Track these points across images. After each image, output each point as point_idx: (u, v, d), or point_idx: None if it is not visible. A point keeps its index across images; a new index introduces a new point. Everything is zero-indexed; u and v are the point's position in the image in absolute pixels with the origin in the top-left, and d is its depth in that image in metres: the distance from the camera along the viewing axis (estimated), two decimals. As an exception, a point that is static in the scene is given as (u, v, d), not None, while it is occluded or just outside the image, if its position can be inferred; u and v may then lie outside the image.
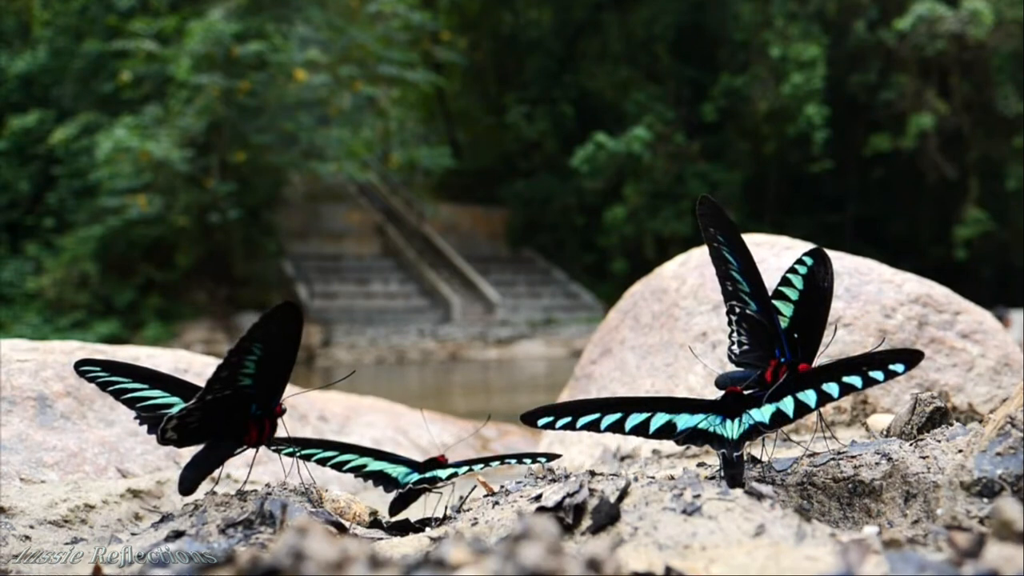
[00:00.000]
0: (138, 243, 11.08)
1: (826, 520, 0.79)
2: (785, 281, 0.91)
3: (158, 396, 0.89)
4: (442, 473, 0.89)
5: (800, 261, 0.91)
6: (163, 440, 0.84)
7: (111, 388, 0.90)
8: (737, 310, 0.89)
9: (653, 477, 0.83)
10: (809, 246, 1.50)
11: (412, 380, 7.90)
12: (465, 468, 0.90)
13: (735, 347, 0.90)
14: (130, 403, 0.90)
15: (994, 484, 0.67)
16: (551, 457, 0.89)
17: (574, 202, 14.63)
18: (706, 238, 0.90)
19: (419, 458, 0.97)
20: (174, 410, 0.86)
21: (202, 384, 0.85)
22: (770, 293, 0.91)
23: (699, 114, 14.36)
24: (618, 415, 0.81)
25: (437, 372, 8.99)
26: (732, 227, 0.88)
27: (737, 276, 0.89)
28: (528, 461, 0.89)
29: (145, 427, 0.89)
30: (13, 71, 12.35)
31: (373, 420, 1.86)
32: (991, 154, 13.80)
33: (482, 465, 0.89)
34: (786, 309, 0.90)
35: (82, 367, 0.90)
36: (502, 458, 0.89)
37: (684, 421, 0.81)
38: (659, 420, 0.81)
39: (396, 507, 0.92)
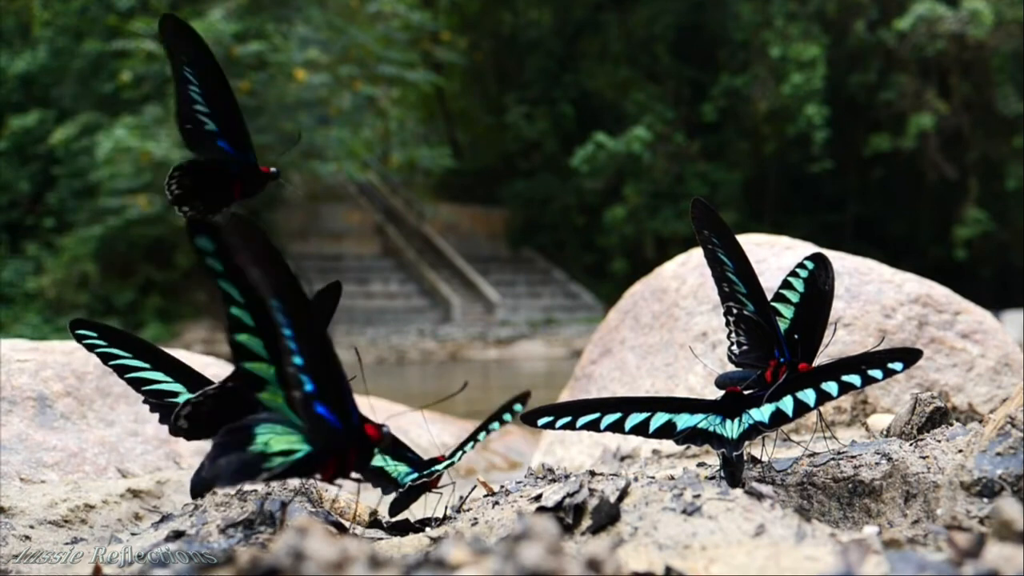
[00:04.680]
0: (138, 243, 11.07)
1: (826, 520, 0.79)
2: (786, 284, 0.92)
3: (162, 380, 0.88)
4: (439, 465, 0.88)
5: (801, 265, 0.92)
6: (175, 430, 0.83)
7: (113, 363, 0.88)
8: (734, 311, 0.89)
9: (653, 477, 0.83)
10: (809, 246, 1.51)
11: (412, 380, 7.89)
12: (459, 453, 0.89)
13: (734, 347, 0.91)
14: (135, 384, 0.88)
15: (994, 484, 0.67)
16: (523, 399, 0.85)
17: (574, 202, 14.63)
18: (700, 240, 0.90)
19: None
20: (181, 399, 0.86)
21: (205, 374, 0.84)
22: (771, 295, 0.91)
23: (699, 114, 14.36)
24: (618, 415, 0.81)
25: (437, 372, 8.99)
26: (726, 229, 0.89)
27: (733, 277, 0.89)
28: (507, 416, 0.86)
29: (145, 427, 0.88)
30: (13, 71, 12.34)
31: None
32: (991, 154, 13.80)
33: (472, 443, 0.87)
34: (786, 311, 0.91)
35: (78, 329, 0.88)
36: (486, 427, 0.87)
37: (684, 421, 0.81)
38: (659, 420, 0.81)
39: (396, 507, 0.92)
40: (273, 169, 0.86)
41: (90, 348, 0.89)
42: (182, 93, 0.80)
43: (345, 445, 0.69)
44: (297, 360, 0.65)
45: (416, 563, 0.46)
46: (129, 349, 0.89)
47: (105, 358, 0.89)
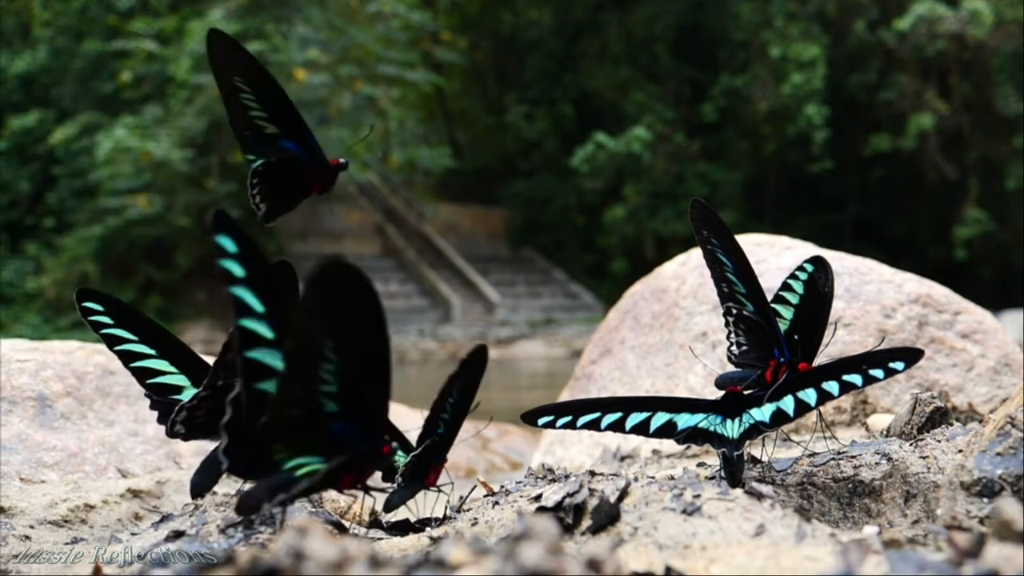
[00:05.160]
0: (138, 243, 11.08)
1: (826, 520, 0.79)
2: (786, 286, 0.93)
3: (167, 371, 0.87)
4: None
5: (801, 268, 0.92)
6: (171, 434, 0.83)
7: (118, 348, 0.87)
8: (734, 311, 0.89)
9: (653, 477, 0.83)
10: (810, 246, 1.51)
11: (412, 380, 7.89)
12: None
13: (734, 348, 0.91)
14: (138, 374, 0.87)
15: (994, 484, 0.67)
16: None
17: (574, 202, 14.63)
18: (699, 241, 0.91)
19: None
20: (184, 395, 0.86)
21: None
22: (771, 296, 0.91)
23: (699, 114, 14.36)
24: (618, 414, 0.81)
25: (437, 372, 8.99)
26: (725, 229, 0.89)
27: (732, 278, 0.89)
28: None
29: (145, 427, 0.88)
30: (13, 71, 12.34)
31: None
32: (991, 154, 13.80)
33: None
34: (786, 312, 0.91)
35: (85, 301, 0.87)
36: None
37: (684, 420, 0.81)
38: (659, 419, 0.81)
39: (390, 503, 0.90)
40: (342, 160, 0.89)
41: (95, 327, 0.87)
42: (234, 102, 0.83)
43: (368, 462, 0.69)
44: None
45: (416, 563, 0.46)
46: (136, 331, 0.87)
47: (110, 341, 0.87)
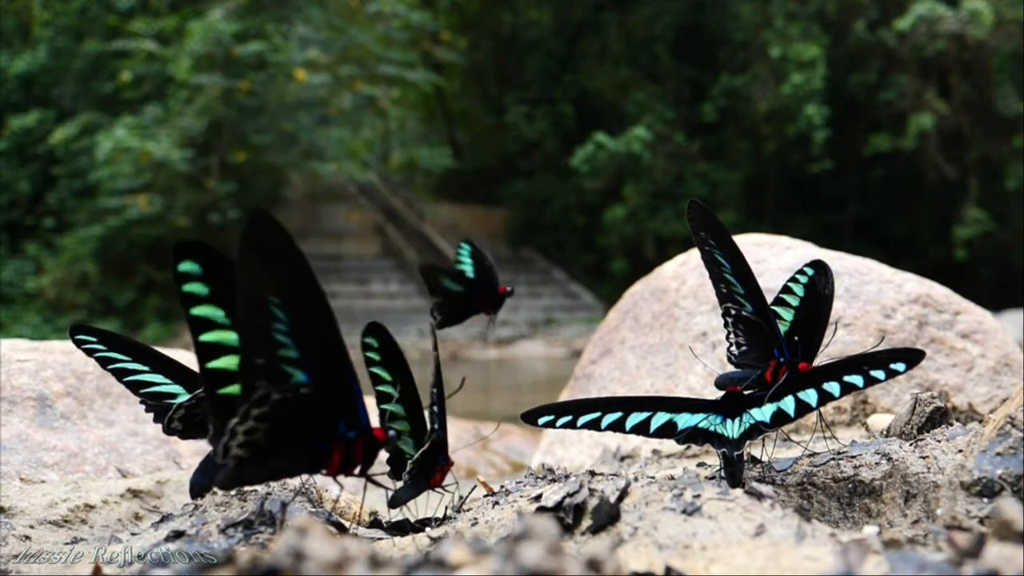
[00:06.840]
0: (138, 243, 11.07)
1: (826, 520, 0.79)
2: (786, 289, 0.93)
3: (160, 382, 0.89)
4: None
5: (801, 271, 0.93)
6: (169, 431, 0.84)
7: (111, 367, 0.89)
8: (733, 312, 0.89)
9: (653, 477, 0.83)
10: (810, 246, 1.51)
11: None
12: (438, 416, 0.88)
13: (733, 348, 0.91)
14: (133, 387, 0.89)
15: (994, 484, 0.67)
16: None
17: (574, 202, 14.62)
18: (697, 242, 0.91)
19: None
20: (180, 400, 0.86)
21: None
22: (772, 298, 0.92)
23: (699, 114, 14.35)
24: (618, 414, 0.81)
25: (437, 372, 8.96)
26: (723, 230, 0.89)
27: (731, 278, 0.89)
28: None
29: (145, 427, 0.89)
30: (13, 71, 12.34)
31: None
32: (991, 154, 13.79)
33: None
34: (787, 314, 0.91)
35: (77, 335, 0.89)
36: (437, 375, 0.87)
37: (685, 420, 0.81)
38: (660, 419, 0.81)
39: (395, 500, 0.90)
40: (508, 288, 1.13)
41: (89, 352, 0.90)
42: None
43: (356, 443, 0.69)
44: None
45: (416, 563, 0.46)
46: (128, 353, 0.90)
47: (104, 362, 0.90)
